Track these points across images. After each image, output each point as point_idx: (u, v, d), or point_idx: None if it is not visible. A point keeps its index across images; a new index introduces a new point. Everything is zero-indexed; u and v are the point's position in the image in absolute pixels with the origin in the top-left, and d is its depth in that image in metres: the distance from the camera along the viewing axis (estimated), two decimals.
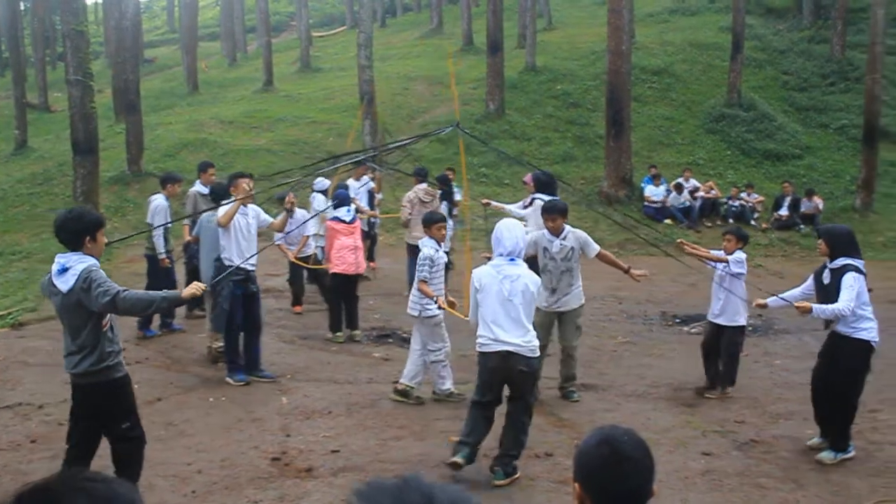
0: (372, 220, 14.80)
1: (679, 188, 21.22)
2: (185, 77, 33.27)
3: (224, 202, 9.33)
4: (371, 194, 14.91)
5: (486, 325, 6.50)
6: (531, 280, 6.53)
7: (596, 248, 8.70)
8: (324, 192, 13.43)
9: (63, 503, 1.62)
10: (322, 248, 12.94)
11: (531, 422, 6.78)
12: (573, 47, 31.61)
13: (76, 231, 5.44)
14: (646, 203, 21.19)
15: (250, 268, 9.21)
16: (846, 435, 7.25)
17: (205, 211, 10.05)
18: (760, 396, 9.09)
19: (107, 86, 29.05)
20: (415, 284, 8.67)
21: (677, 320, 12.87)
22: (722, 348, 9.10)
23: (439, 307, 8.34)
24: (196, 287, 5.93)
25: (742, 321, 9.13)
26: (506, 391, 6.77)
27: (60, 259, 5.44)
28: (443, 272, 8.75)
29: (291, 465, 6.79)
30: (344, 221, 11.00)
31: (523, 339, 6.41)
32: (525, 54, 29.80)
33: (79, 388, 5.63)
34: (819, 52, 30.83)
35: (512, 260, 6.49)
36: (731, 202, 21.37)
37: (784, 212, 21.13)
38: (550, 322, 8.65)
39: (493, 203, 12.43)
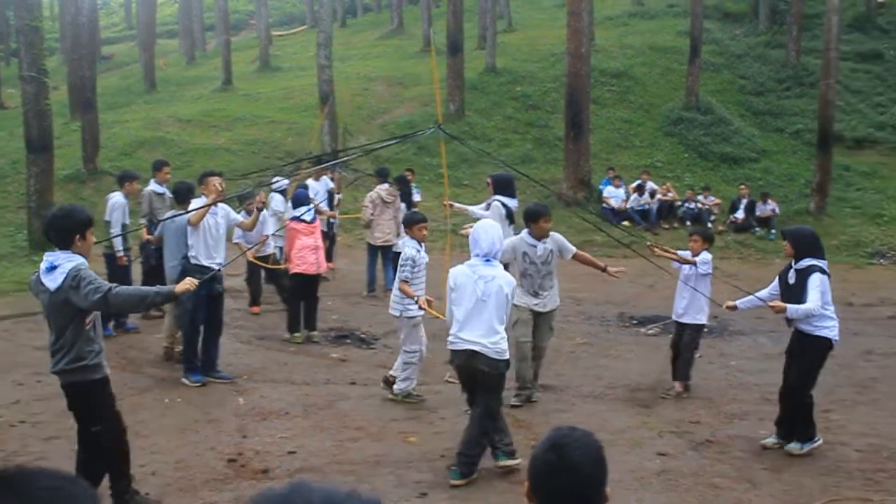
0: (331, 220, 14.75)
1: (640, 189, 21.39)
2: (142, 75, 32.91)
3: (192, 200, 9.34)
4: (331, 194, 14.87)
5: (456, 323, 6.54)
6: (506, 282, 6.57)
7: (572, 249, 8.78)
8: (282, 193, 13.37)
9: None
10: (281, 248, 12.89)
11: (494, 425, 6.73)
12: (533, 49, 31.72)
13: (66, 229, 5.45)
14: (604, 205, 21.31)
15: (217, 267, 9.16)
16: (810, 425, 7.47)
17: (185, 212, 9.93)
18: (716, 397, 9.19)
19: (62, 83, 28.66)
20: (395, 284, 8.69)
21: (635, 322, 12.96)
22: (682, 345, 9.26)
23: (420, 307, 8.41)
24: (190, 282, 5.93)
25: (703, 320, 9.30)
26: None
27: (49, 257, 5.46)
28: (424, 272, 8.77)
29: (248, 467, 6.75)
30: (304, 221, 10.95)
31: (489, 340, 6.45)
32: (485, 55, 29.85)
33: (63, 387, 5.68)
34: (775, 57, 31.22)
35: (488, 261, 6.54)
36: (687, 204, 21.56)
37: (740, 214, 21.35)
38: (529, 319, 8.63)
39: (456, 204, 12.46)
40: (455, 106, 25.64)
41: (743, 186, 22.09)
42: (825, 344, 7.41)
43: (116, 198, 11.02)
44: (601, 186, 21.76)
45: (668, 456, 7.27)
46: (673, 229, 20.92)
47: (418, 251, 8.64)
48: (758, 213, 21.29)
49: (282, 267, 11.96)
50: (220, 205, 9.30)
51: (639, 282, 15.18)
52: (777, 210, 21.35)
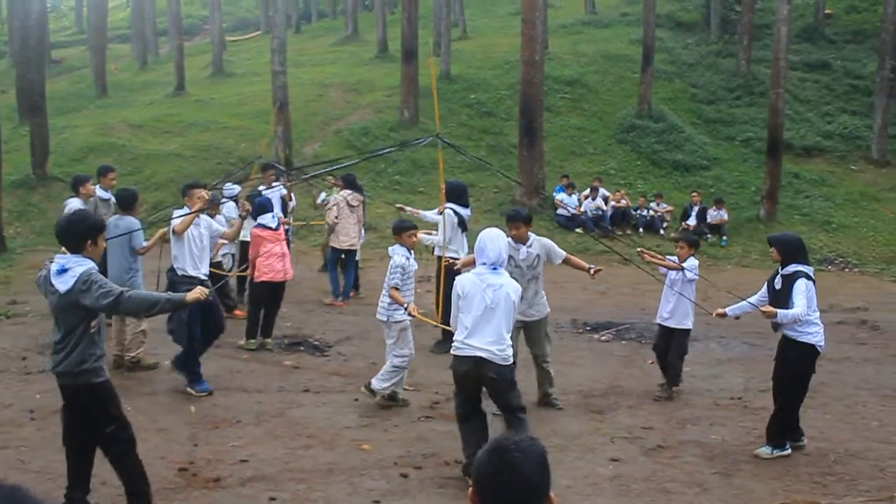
0: (285, 227, 14.66)
1: (594, 191, 21.56)
2: (93, 79, 32.50)
3: (174, 212, 9.33)
4: (284, 201, 14.78)
5: (463, 330, 6.59)
6: (513, 289, 6.64)
7: (562, 254, 8.84)
8: (234, 199, 13.28)
9: None
10: (233, 254, 12.79)
11: (525, 417, 6.82)
12: (487, 56, 31.83)
13: (79, 234, 5.59)
14: (557, 212, 21.42)
15: (203, 277, 9.11)
16: (784, 433, 7.62)
17: (193, 212, 9.83)
18: (668, 402, 9.27)
19: (11, 86, 28.27)
20: (384, 290, 8.70)
21: (588, 328, 13.03)
22: (671, 350, 9.40)
23: (409, 314, 8.47)
24: (200, 291, 5.98)
25: (689, 324, 9.48)
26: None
27: (60, 260, 5.55)
28: (413, 279, 8.81)
29: (199, 476, 6.68)
30: (269, 228, 10.85)
31: (497, 347, 6.51)
32: (440, 62, 29.90)
33: (63, 389, 5.75)
34: (726, 66, 31.63)
35: (495, 269, 6.61)
36: (639, 211, 21.75)
37: (692, 221, 21.58)
38: (517, 330, 8.63)
39: (408, 209, 12.46)
40: (409, 113, 25.64)
41: (695, 193, 22.33)
42: (810, 350, 7.57)
43: (74, 203, 10.88)
44: (555, 193, 21.87)
45: (621, 461, 7.32)
46: (626, 236, 21.07)
47: (408, 258, 8.69)
48: (709, 219, 21.53)
49: (224, 273, 11.87)
50: (202, 216, 9.30)
51: (591, 288, 15.27)
52: (727, 217, 21.60)
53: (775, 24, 23.47)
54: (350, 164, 16.08)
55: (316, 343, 11.35)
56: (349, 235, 13.80)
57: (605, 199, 21.83)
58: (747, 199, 23.93)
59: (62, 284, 5.47)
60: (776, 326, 7.71)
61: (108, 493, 6.31)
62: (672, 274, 9.39)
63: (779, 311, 7.45)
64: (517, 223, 8.60)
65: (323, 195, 16.06)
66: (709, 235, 21.25)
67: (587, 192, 21.86)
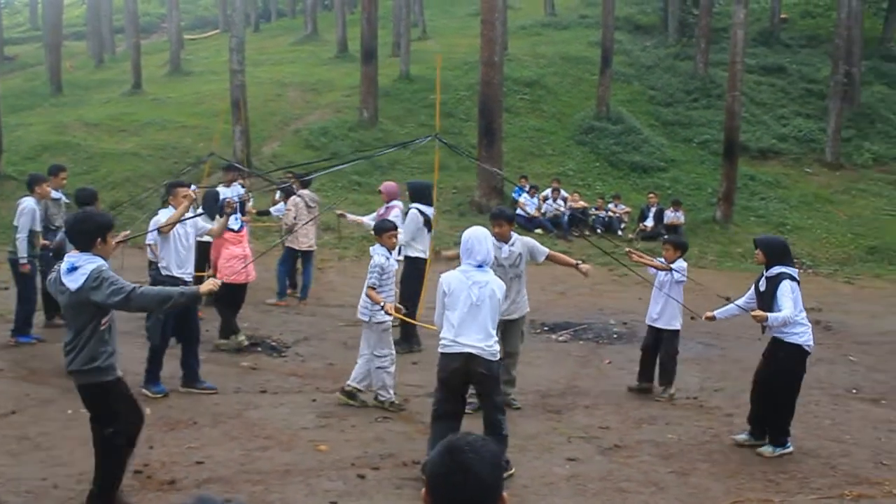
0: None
1: (556, 192, 21.66)
2: (47, 77, 32.04)
3: (160, 212, 9.27)
4: (242, 202, 14.68)
5: (450, 328, 6.64)
6: (498, 286, 6.73)
7: (545, 251, 8.88)
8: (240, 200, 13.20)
9: None
10: None
11: (505, 419, 6.88)
12: (447, 57, 31.76)
13: (88, 232, 5.63)
14: (517, 213, 21.45)
15: (187, 277, 9.04)
16: (785, 431, 7.74)
17: (195, 215, 9.72)
18: (624, 402, 9.33)
19: None
20: (364, 290, 8.69)
21: (546, 328, 13.07)
22: (662, 351, 9.52)
23: (386, 313, 8.47)
24: (213, 283, 6.00)
25: (678, 325, 9.57)
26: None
27: (70, 258, 5.59)
28: (393, 279, 8.81)
29: (154, 478, 6.61)
30: (232, 230, 10.72)
31: (486, 344, 6.59)
32: (399, 63, 29.88)
33: (77, 388, 5.81)
34: (683, 68, 31.91)
35: (480, 267, 6.68)
36: (597, 213, 21.88)
37: (649, 222, 21.75)
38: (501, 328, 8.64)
39: (349, 215, 12.47)
40: (368, 113, 25.59)
41: (652, 195, 22.51)
42: (798, 350, 7.68)
43: (27, 202, 10.70)
44: (514, 194, 21.94)
45: (577, 461, 7.35)
46: (584, 237, 21.17)
47: (387, 258, 8.68)
48: (666, 220, 21.70)
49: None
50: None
51: (550, 289, 15.35)
52: (683, 219, 21.79)
53: (732, 27, 23.71)
54: (344, 164, 16.00)
55: (273, 344, 11.29)
56: (308, 237, 13.74)
57: (564, 201, 21.95)
58: (704, 200, 24.16)
59: (72, 282, 5.48)
60: (764, 328, 7.85)
61: (58, 496, 6.24)
62: (661, 276, 9.50)
63: (770, 314, 7.56)
64: (500, 221, 8.67)
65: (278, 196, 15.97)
66: (666, 236, 21.37)
67: (548, 192, 21.96)
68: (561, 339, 12.36)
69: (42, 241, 10.78)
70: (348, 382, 8.79)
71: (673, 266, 9.38)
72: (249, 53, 26.88)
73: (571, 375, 10.39)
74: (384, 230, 8.87)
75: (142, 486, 6.44)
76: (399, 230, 11.13)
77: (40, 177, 11.15)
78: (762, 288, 7.82)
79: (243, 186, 14.55)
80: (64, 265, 5.57)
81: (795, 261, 20.32)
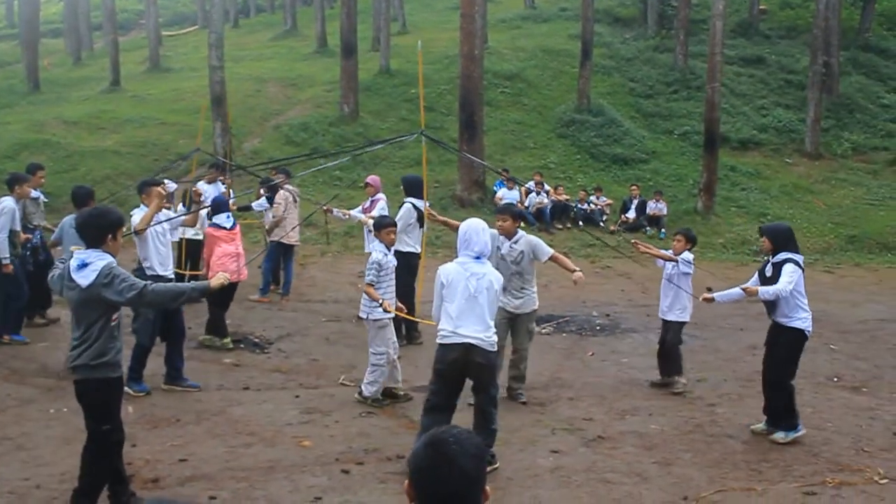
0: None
1: (540, 186, 21.67)
2: (25, 75, 31.72)
3: (133, 212, 9.16)
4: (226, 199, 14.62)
5: (449, 319, 6.69)
6: (495, 278, 6.82)
7: (549, 251, 8.84)
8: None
9: None
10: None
11: (496, 412, 6.94)
12: (427, 51, 31.75)
13: (99, 228, 5.66)
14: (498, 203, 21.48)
15: (170, 275, 8.98)
16: (793, 414, 7.89)
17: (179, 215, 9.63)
18: (608, 394, 9.37)
19: None
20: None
21: None
22: (666, 341, 9.57)
23: (385, 310, 8.49)
24: (223, 277, 6.01)
25: (686, 317, 9.59)
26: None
27: (80, 255, 5.59)
28: (393, 276, 8.81)
29: (137, 476, 6.59)
30: (224, 228, 10.70)
31: (484, 334, 6.65)
32: (379, 57, 29.82)
33: (77, 383, 5.75)
34: (663, 60, 31.98)
35: (478, 258, 6.74)
36: (579, 205, 21.90)
37: (631, 214, 21.80)
38: (505, 320, 8.64)
39: (336, 210, 12.42)
40: (349, 108, 25.53)
41: (634, 187, 22.54)
42: (799, 335, 7.90)
43: (6, 202, 10.59)
44: (495, 188, 21.94)
45: (561, 453, 7.38)
46: (567, 229, 21.21)
47: (385, 255, 8.69)
48: (649, 210, 21.76)
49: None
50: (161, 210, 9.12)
51: None
52: (665, 210, 21.85)
53: (711, 19, 23.76)
54: (334, 163, 15.97)
55: (256, 340, 11.27)
56: (295, 231, 13.74)
57: (547, 193, 21.95)
58: (685, 191, 24.23)
59: (83, 279, 5.48)
60: (769, 312, 8.02)
61: (41, 496, 6.20)
62: (668, 268, 9.51)
63: (760, 288, 7.81)
64: (504, 216, 8.74)
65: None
66: (648, 228, 21.49)
67: (531, 185, 21.96)
68: (544, 331, 12.37)
69: (24, 236, 10.73)
70: (388, 386, 8.86)
71: (679, 257, 9.42)
72: (229, 49, 26.76)
73: (555, 368, 10.41)
74: (383, 226, 8.86)
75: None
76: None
77: (21, 176, 11.06)
78: (768, 273, 7.95)
79: (223, 183, 14.49)
80: (73, 261, 5.55)
81: None
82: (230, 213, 11.04)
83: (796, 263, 7.84)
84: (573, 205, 21.91)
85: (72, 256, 6.27)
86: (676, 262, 9.42)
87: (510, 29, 35.75)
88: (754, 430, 8.08)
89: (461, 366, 6.70)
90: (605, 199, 22.41)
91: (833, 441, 7.91)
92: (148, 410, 8.23)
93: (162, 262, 8.98)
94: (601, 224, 21.61)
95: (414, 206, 11.06)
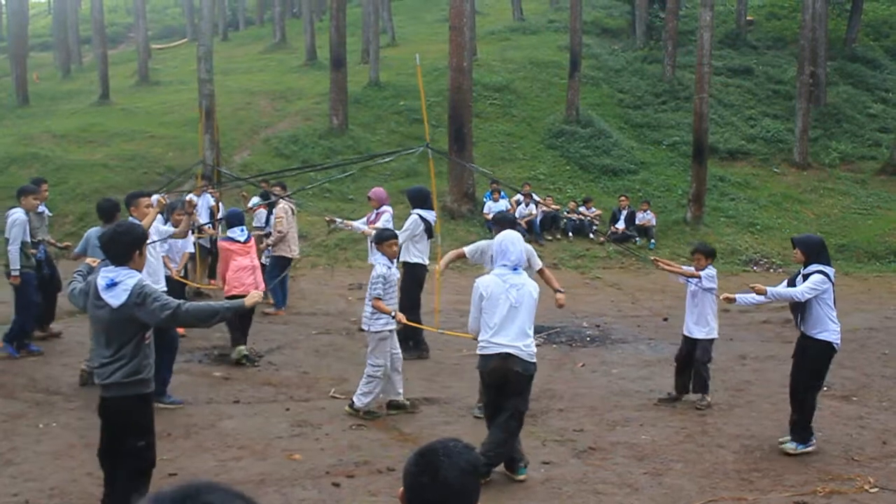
0: (212, 237, 14.47)
1: (528, 197, 21.70)
2: (13, 88, 31.70)
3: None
4: (212, 211, 14.63)
5: (488, 330, 6.82)
6: (533, 288, 6.97)
7: (539, 263, 8.92)
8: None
9: None
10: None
11: (520, 429, 7.00)
12: (416, 64, 31.82)
13: (127, 245, 5.56)
14: (487, 218, 21.50)
15: (163, 287, 8.93)
16: (808, 428, 7.89)
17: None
18: (598, 405, 9.37)
19: None
20: (367, 300, 8.76)
21: None
22: (696, 358, 9.43)
23: (398, 322, 8.68)
24: (258, 295, 5.98)
25: (715, 333, 9.54)
26: None
27: (108, 273, 5.49)
28: (395, 288, 8.86)
29: None
30: (238, 241, 10.70)
31: (523, 344, 6.78)
32: (368, 70, 29.86)
33: (107, 401, 5.61)
34: (652, 71, 32.09)
35: (515, 269, 6.87)
36: (569, 216, 21.93)
37: (620, 225, 21.83)
38: None
39: (338, 220, 12.40)
40: (338, 120, 25.53)
41: (623, 198, 22.58)
42: (827, 347, 7.87)
43: (17, 214, 10.57)
44: (485, 199, 21.97)
45: (552, 464, 7.38)
46: (556, 240, 21.24)
47: (389, 268, 8.73)
48: (638, 221, 21.80)
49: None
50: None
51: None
52: (654, 221, 21.89)
53: (699, 30, 23.85)
54: (345, 174, 15.97)
55: (246, 353, 11.23)
56: (297, 244, 13.76)
57: (536, 204, 21.97)
58: (674, 202, 24.29)
59: (114, 299, 5.40)
60: (798, 321, 8.02)
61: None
62: (691, 284, 9.47)
63: (769, 288, 7.86)
64: (505, 227, 8.67)
65: (255, 199, 15.93)
66: (637, 239, 21.52)
67: (519, 197, 22.00)
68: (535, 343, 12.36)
69: (30, 251, 10.72)
70: (390, 398, 8.88)
71: (702, 273, 9.38)
72: (218, 62, 26.75)
73: (545, 379, 10.39)
74: (384, 239, 8.87)
75: None
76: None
77: (28, 188, 11.07)
78: (799, 285, 7.94)
79: (212, 195, 14.49)
80: (101, 280, 5.47)
81: (765, 260, 20.75)
82: (244, 227, 11.04)
83: (826, 275, 7.82)
84: (562, 215, 21.90)
85: (90, 271, 6.29)
86: (699, 277, 9.39)
87: (499, 41, 35.84)
88: (781, 443, 8.02)
89: (501, 374, 6.83)
90: (594, 210, 22.44)
91: (823, 450, 7.92)
92: None
93: (152, 273, 8.91)
94: (591, 235, 21.63)
95: (421, 217, 11.04)
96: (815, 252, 7.99)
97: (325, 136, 25.08)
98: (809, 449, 7.85)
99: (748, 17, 36.52)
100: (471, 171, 21.64)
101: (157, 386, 8.76)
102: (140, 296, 5.38)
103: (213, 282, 14.51)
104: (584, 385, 10.13)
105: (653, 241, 21.32)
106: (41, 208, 11.29)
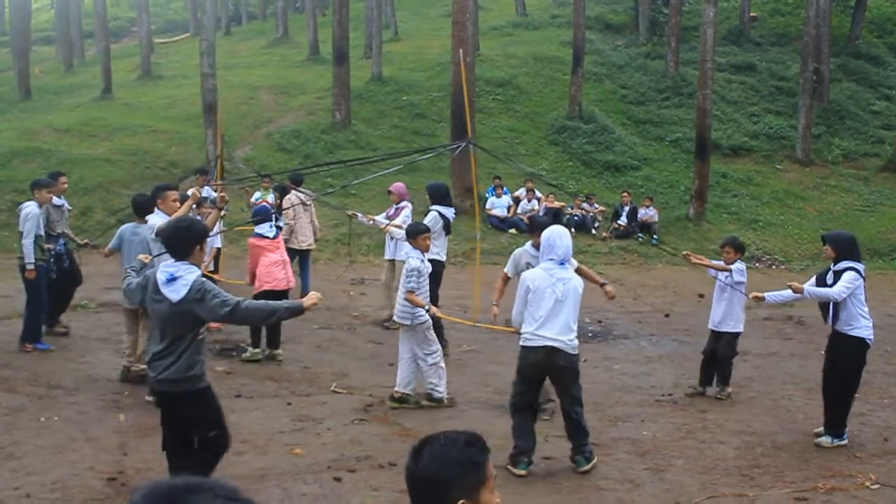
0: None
1: (531, 193, 21.74)
2: (16, 82, 31.66)
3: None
4: (213, 204, 14.60)
5: (533, 322, 6.94)
6: (579, 283, 7.13)
7: (574, 262, 8.83)
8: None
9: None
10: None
11: (582, 411, 7.23)
12: (419, 58, 31.84)
13: (189, 240, 5.63)
14: (490, 215, 21.53)
15: None
16: (843, 423, 8.00)
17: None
18: (600, 400, 9.36)
19: None
20: (400, 294, 8.86)
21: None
22: (719, 352, 9.53)
23: (432, 316, 8.81)
24: (316, 296, 5.83)
25: (740, 328, 9.64)
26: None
27: (169, 268, 5.54)
28: (427, 281, 8.91)
29: (128, 485, 6.55)
30: (267, 237, 10.64)
31: (567, 338, 6.91)
32: (371, 65, 29.84)
33: (164, 396, 5.75)
34: (655, 67, 32.07)
35: (562, 264, 7.01)
36: (572, 212, 21.93)
37: (623, 221, 21.84)
38: None
39: (360, 215, 12.38)
40: (341, 115, 25.52)
41: (625, 194, 22.59)
42: (860, 343, 7.93)
43: (30, 207, 10.51)
44: (487, 194, 21.98)
45: (554, 459, 7.38)
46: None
47: (423, 261, 8.82)
48: (640, 217, 21.81)
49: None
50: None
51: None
52: (657, 217, 21.90)
53: (702, 26, 23.85)
54: (375, 173, 16.01)
55: (259, 358, 11.22)
56: (306, 235, 13.75)
57: (538, 200, 21.99)
58: (677, 198, 24.30)
59: (174, 293, 5.45)
60: (825, 317, 8.12)
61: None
62: (721, 278, 9.53)
63: (806, 287, 7.93)
64: (539, 232, 8.74)
65: (257, 194, 15.93)
66: (640, 235, 21.53)
67: (522, 192, 22.03)
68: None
69: (45, 246, 10.69)
70: (396, 389, 8.92)
71: (732, 267, 9.44)
72: (220, 57, 26.77)
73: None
74: (418, 233, 8.94)
75: (116, 494, 6.40)
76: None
77: (42, 181, 11.01)
78: (829, 282, 8.00)
79: (214, 190, 14.47)
80: (161, 275, 5.51)
81: (768, 257, 20.76)
82: (272, 223, 10.95)
83: (857, 272, 7.87)
84: (566, 211, 21.91)
85: (143, 266, 6.35)
86: (730, 271, 9.43)
87: (502, 36, 35.84)
88: (817, 433, 8.12)
89: (543, 367, 6.99)
90: (597, 205, 22.44)
91: (824, 447, 7.92)
92: (139, 420, 8.19)
93: None
94: (593, 231, 21.64)
95: (440, 213, 11.03)
96: (846, 249, 8.04)
97: (327, 131, 25.08)
98: (843, 442, 7.96)
99: (751, 14, 36.50)
100: (474, 166, 21.60)
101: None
102: (199, 291, 5.43)
103: (217, 276, 14.50)
104: (586, 381, 10.02)
105: (655, 237, 21.32)
106: (60, 201, 11.25)
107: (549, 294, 6.89)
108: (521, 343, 7.06)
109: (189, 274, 5.49)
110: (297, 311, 5.87)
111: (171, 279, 5.47)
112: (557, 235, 7.10)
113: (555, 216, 19.93)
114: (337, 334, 12.22)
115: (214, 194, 14.36)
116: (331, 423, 8.27)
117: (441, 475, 2.54)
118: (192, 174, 15.21)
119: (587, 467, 7.04)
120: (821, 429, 8.19)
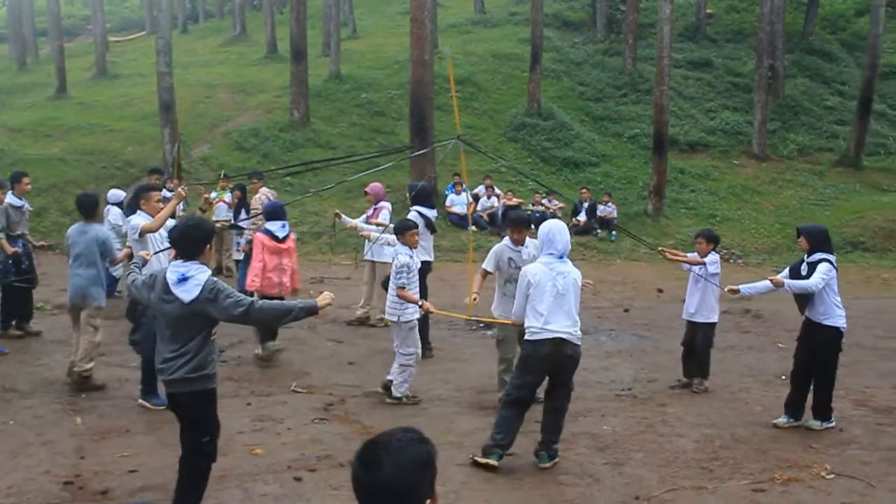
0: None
1: (490, 190, 21.76)
2: None
3: (130, 218, 8.93)
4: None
5: (538, 316, 7.00)
6: (578, 275, 7.23)
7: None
8: (119, 205, 12.94)
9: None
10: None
11: (568, 406, 7.39)
12: (377, 56, 31.79)
13: (198, 239, 5.61)
14: (449, 213, 21.52)
15: None
16: (829, 406, 8.30)
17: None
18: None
19: None
20: (391, 290, 8.86)
21: (481, 325, 13.09)
22: (696, 343, 9.67)
23: (426, 311, 8.91)
24: (329, 296, 5.74)
25: (715, 318, 9.77)
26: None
27: (179, 268, 5.50)
28: (417, 277, 8.93)
29: (86, 489, 6.49)
30: (275, 238, 10.21)
31: (573, 329, 7.04)
32: (329, 63, 29.74)
33: (175, 396, 5.67)
34: (612, 64, 32.26)
35: (561, 258, 7.10)
36: (533, 209, 21.98)
37: (582, 217, 21.93)
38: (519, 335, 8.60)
39: (344, 218, 12.26)
40: (300, 113, 25.42)
41: (584, 190, 22.70)
42: (834, 332, 8.22)
43: None
44: (447, 192, 21.98)
45: (515, 456, 7.38)
46: None
47: (411, 257, 8.83)
48: (600, 213, 21.93)
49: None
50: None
51: (484, 286, 15.36)
52: (615, 213, 22.02)
53: (659, 23, 24.05)
54: (368, 171, 15.89)
55: (221, 350, 11.14)
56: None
57: (497, 197, 22.04)
58: (635, 194, 24.46)
59: (185, 294, 5.40)
60: (802, 307, 8.37)
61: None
62: (696, 270, 9.67)
63: (786, 280, 8.20)
64: (521, 228, 8.97)
65: (213, 195, 15.83)
66: (598, 231, 21.64)
67: (481, 189, 22.04)
68: (489, 333, 12.40)
69: (10, 249, 10.54)
70: (388, 377, 8.97)
71: (706, 260, 9.59)
72: (177, 55, 26.53)
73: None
74: (406, 229, 8.99)
75: (73, 498, 6.32)
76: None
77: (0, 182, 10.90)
78: (803, 272, 8.28)
79: (170, 190, 14.33)
80: (171, 275, 5.47)
81: (725, 251, 20.93)
82: (286, 222, 10.48)
83: (831, 263, 8.16)
84: (526, 208, 21.95)
85: (144, 263, 6.49)
86: (704, 264, 9.58)
87: (460, 34, 35.87)
88: (777, 425, 8.34)
89: (552, 360, 7.03)
90: (556, 202, 22.51)
91: (781, 438, 8.03)
92: (96, 422, 8.10)
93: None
94: None
95: (420, 213, 10.97)
96: (819, 241, 8.35)
97: (285, 130, 24.97)
98: (832, 425, 8.26)
99: (707, 11, 36.85)
100: (433, 163, 21.61)
101: (146, 386, 8.63)
102: (212, 291, 5.39)
103: None
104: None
105: (614, 233, 21.43)
106: (20, 202, 11.11)
107: (550, 288, 6.97)
108: (527, 338, 7.10)
109: (200, 273, 5.46)
110: (312, 311, 5.78)
111: (183, 279, 5.43)
112: (557, 230, 7.19)
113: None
114: (297, 333, 12.15)
115: (171, 194, 14.25)
116: (291, 422, 8.23)
117: (408, 480, 2.43)
118: (146, 174, 15.03)
119: (548, 465, 7.08)
120: (780, 419, 8.36)
